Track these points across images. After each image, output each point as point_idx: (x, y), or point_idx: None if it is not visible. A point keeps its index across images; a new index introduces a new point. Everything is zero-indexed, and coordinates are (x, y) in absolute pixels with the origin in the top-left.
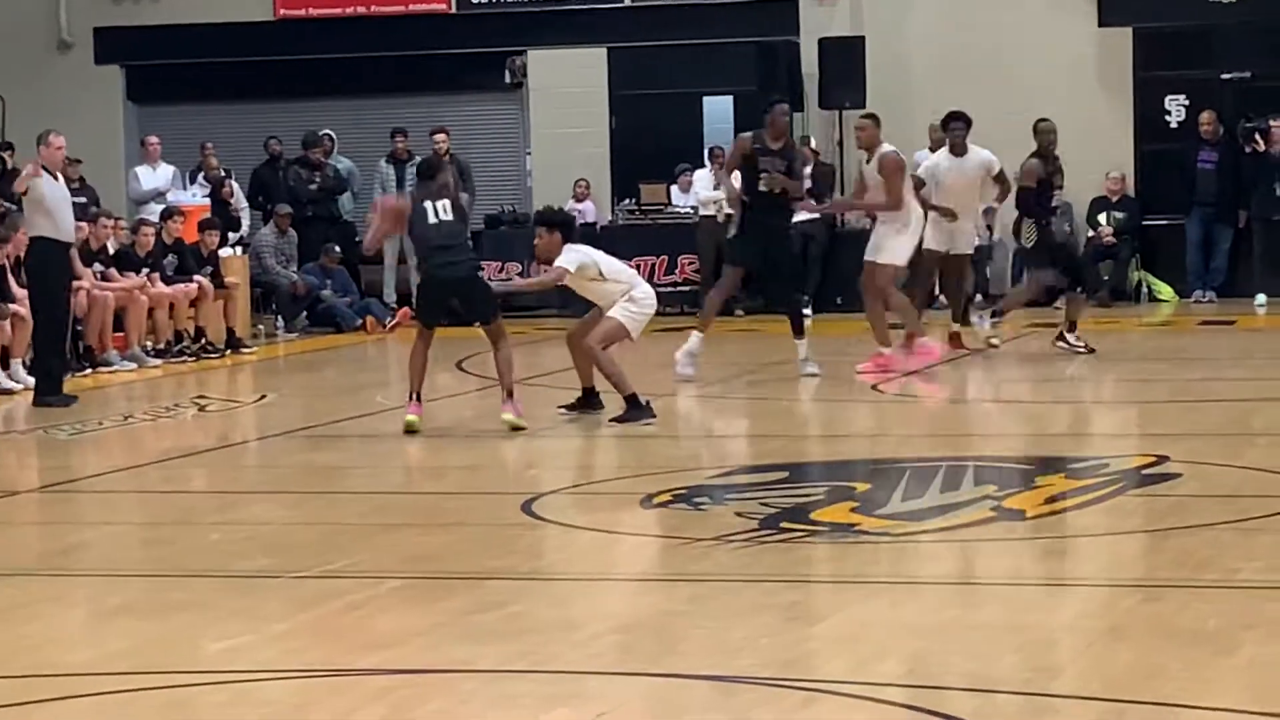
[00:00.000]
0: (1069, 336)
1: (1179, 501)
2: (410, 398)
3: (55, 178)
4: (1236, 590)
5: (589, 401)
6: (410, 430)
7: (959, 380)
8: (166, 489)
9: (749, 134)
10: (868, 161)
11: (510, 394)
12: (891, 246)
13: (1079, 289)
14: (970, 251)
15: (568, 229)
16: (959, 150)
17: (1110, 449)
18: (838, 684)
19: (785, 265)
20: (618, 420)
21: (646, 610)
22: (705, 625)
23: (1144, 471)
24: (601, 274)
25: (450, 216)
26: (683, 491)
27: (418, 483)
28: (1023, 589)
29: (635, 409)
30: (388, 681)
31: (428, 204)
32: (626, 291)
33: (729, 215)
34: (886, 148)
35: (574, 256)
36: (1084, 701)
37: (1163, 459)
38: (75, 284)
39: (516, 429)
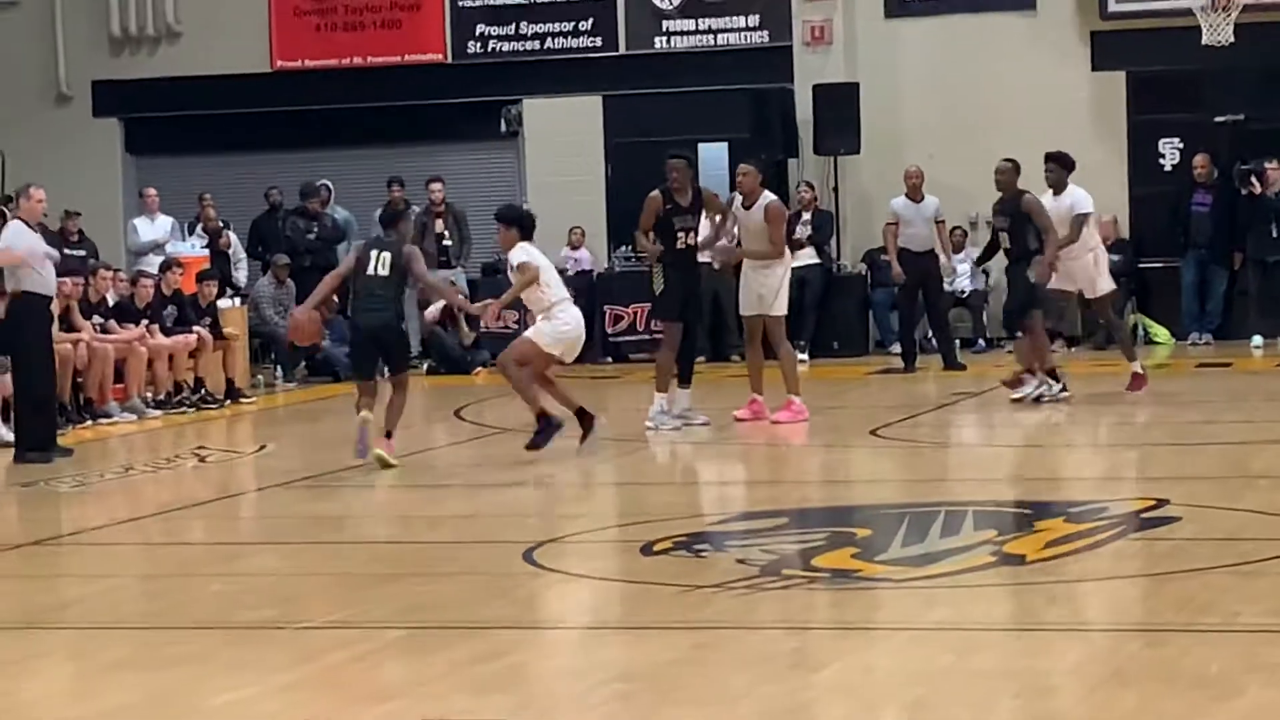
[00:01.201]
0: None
1: (1179, 545)
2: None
3: (33, 230)
4: (1238, 634)
5: (583, 423)
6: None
7: (955, 425)
8: (167, 540)
9: (658, 192)
10: (745, 207)
11: (390, 435)
12: (782, 297)
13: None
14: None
15: (523, 226)
16: (1057, 190)
17: (1109, 493)
18: None
19: (701, 316)
20: (532, 446)
21: (647, 659)
22: (706, 673)
23: (1143, 515)
24: (540, 280)
25: (386, 271)
26: (683, 539)
27: (417, 532)
28: (1024, 634)
29: (547, 428)
30: None
31: (373, 253)
32: (552, 306)
33: (724, 264)
34: (769, 196)
35: (529, 251)
36: None
37: (1162, 502)
38: (74, 336)
39: (386, 466)
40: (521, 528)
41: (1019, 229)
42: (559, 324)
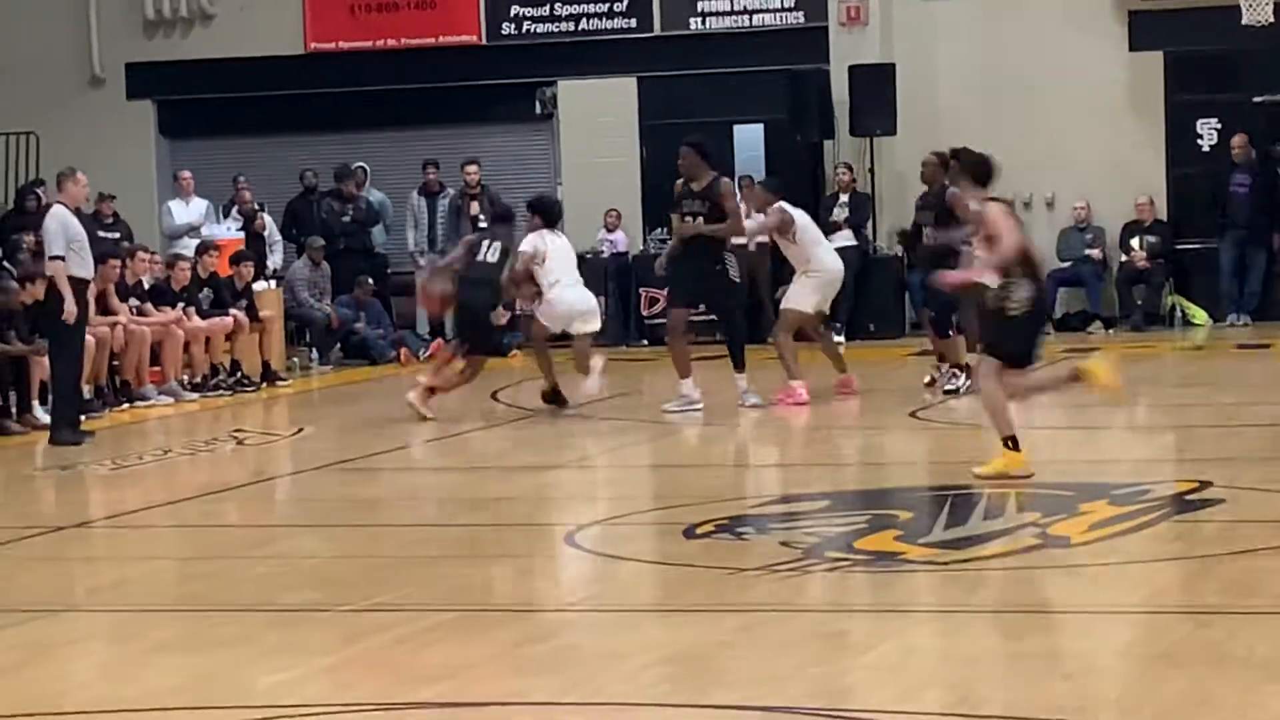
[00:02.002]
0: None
1: (1224, 527)
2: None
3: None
4: None
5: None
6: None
7: None
8: (207, 523)
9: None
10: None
11: (433, 393)
12: (799, 293)
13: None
14: None
15: (544, 214)
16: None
17: (1152, 475)
18: (886, 713)
19: (718, 300)
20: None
21: (694, 641)
22: (753, 655)
23: (1187, 497)
24: (542, 263)
25: (495, 259)
26: (725, 521)
27: (458, 515)
28: (1071, 616)
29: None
30: (442, 715)
31: (484, 242)
32: (550, 287)
33: (760, 244)
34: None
35: (532, 239)
36: None
37: (1205, 484)
38: (111, 318)
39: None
40: (562, 510)
41: (942, 224)
42: (548, 304)
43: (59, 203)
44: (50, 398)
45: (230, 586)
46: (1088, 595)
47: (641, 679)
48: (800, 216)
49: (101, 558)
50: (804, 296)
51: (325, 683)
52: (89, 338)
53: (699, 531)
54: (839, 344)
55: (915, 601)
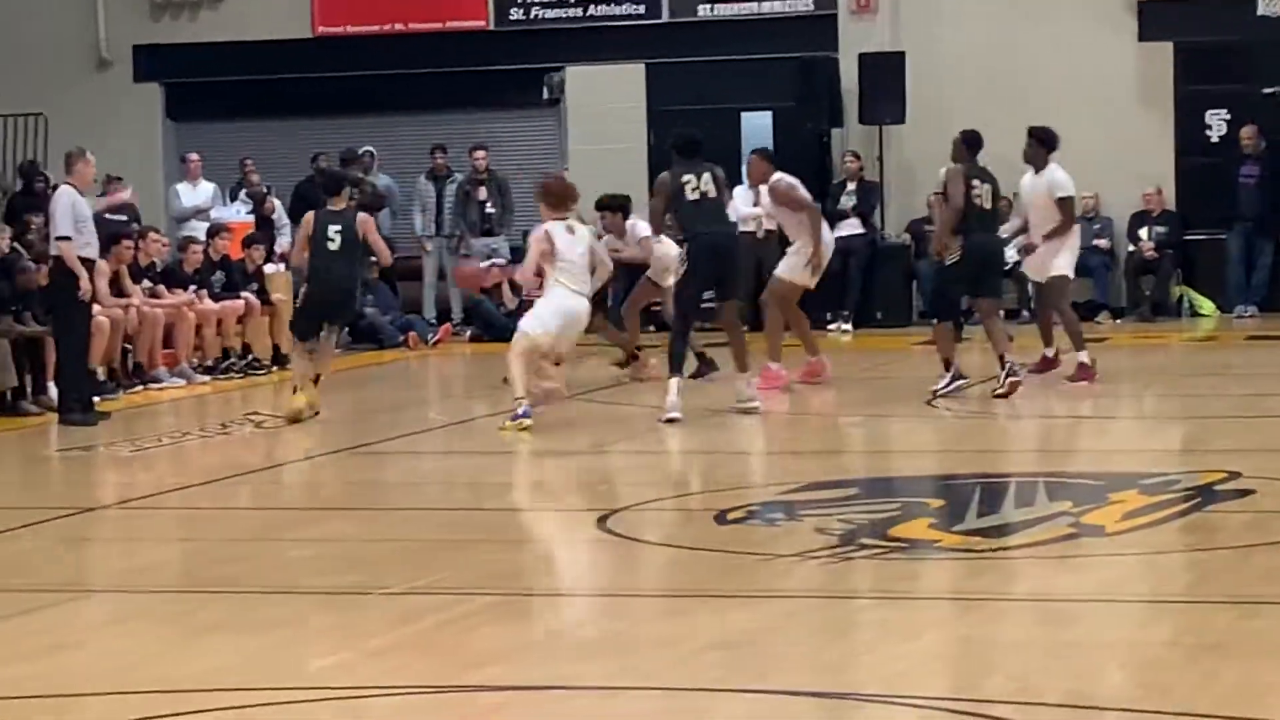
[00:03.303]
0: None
1: (1257, 518)
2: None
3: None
4: None
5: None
6: None
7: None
8: (237, 505)
9: None
10: None
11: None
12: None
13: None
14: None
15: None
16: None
17: (1178, 465)
18: (947, 700)
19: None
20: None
21: (741, 626)
22: (802, 641)
23: (1216, 488)
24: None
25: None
26: (756, 508)
27: (487, 499)
28: (1115, 605)
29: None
30: (499, 698)
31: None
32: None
33: (769, 231)
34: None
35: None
36: (1199, 719)
37: (1234, 475)
38: (124, 300)
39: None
40: (590, 496)
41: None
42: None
43: (67, 183)
44: (60, 377)
45: (269, 569)
46: (1128, 584)
47: (694, 664)
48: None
49: (135, 539)
50: (798, 268)
51: (376, 665)
52: (103, 319)
53: (730, 517)
54: (846, 332)
55: (956, 589)
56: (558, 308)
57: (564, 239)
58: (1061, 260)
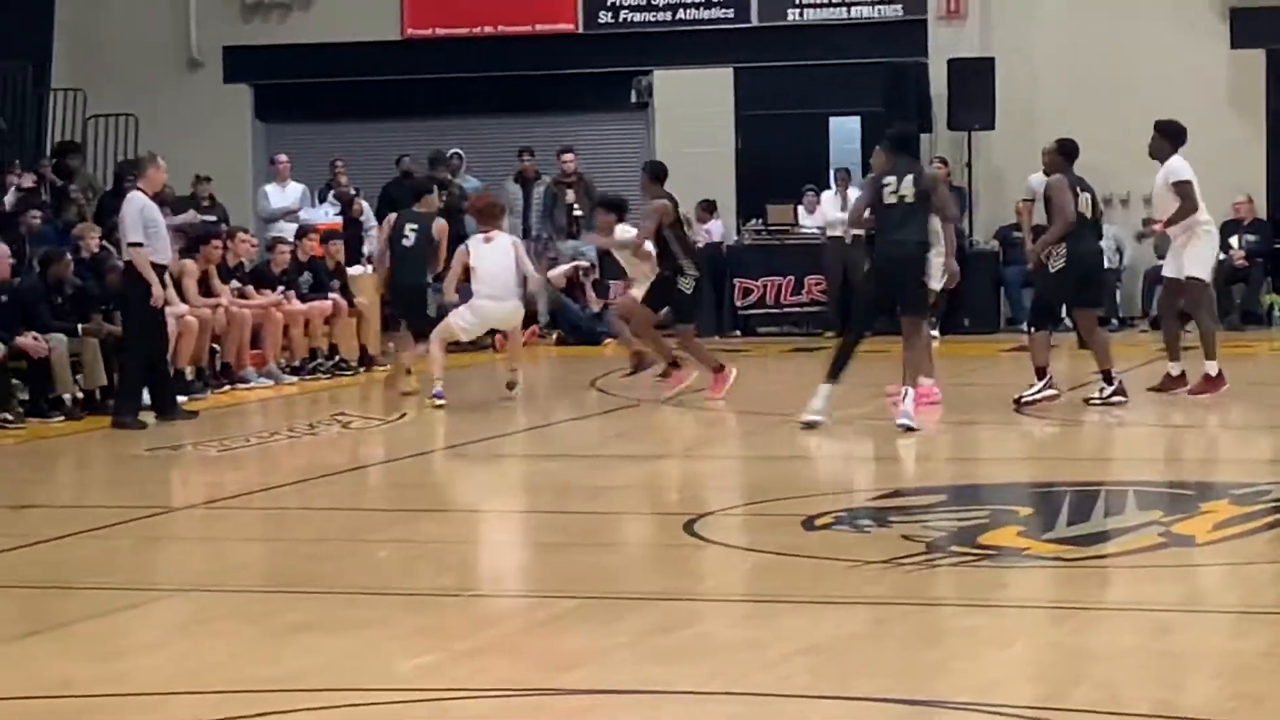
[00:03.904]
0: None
1: None
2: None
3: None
4: None
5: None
6: None
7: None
8: (324, 506)
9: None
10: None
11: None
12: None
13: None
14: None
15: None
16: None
17: (1269, 475)
18: (1036, 709)
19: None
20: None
21: (829, 632)
22: (892, 648)
23: None
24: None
25: None
26: (843, 514)
27: (576, 503)
28: (1207, 615)
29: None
30: (587, 701)
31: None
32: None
33: (855, 237)
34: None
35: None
36: None
37: None
38: (213, 301)
39: None
40: (676, 500)
41: None
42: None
43: (137, 188)
44: (119, 380)
45: (357, 569)
46: (1218, 595)
47: (782, 669)
48: None
49: (221, 539)
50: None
51: (465, 667)
52: (191, 319)
53: (818, 523)
54: (934, 339)
55: (1047, 598)
56: (476, 308)
57: (481, 249)
58: (1194, 260)
